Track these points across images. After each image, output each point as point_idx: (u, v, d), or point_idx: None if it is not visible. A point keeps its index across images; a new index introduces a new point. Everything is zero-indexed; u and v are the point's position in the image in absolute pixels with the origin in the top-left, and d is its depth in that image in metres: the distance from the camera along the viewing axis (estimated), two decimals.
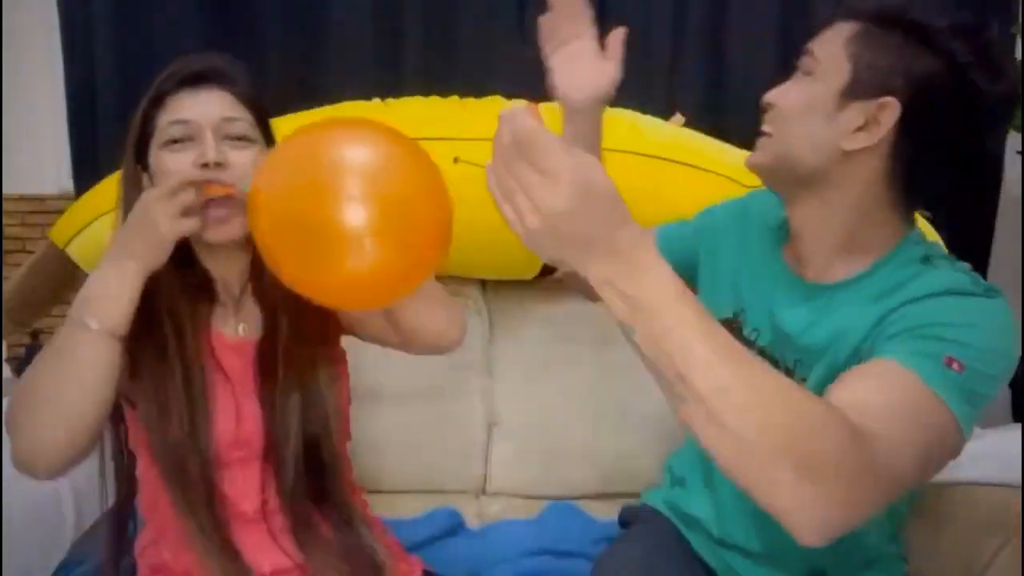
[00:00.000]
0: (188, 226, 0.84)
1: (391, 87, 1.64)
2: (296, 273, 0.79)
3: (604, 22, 1.79)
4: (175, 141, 0.89)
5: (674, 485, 1.10)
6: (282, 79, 1.67)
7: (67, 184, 1.92)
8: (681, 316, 0.60)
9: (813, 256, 0.89)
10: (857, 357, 0.80)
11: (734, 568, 1.00)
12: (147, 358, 0.88)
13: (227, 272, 0.96)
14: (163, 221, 0.81)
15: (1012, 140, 1.84)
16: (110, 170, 1.58)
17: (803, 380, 0.87)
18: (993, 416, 1.72)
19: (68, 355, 0.80)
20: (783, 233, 0.94)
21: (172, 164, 0.88)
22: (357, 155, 0.78)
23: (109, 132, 1.73)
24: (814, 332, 0.87)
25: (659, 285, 0.61)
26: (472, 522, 1.39)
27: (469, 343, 1.54)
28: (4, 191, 2.01)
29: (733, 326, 1.00)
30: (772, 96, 0.88)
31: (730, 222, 1.05)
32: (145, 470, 0.93)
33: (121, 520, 0.96)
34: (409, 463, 1.48)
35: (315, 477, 0.95)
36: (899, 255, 0.85)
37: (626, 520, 1.17)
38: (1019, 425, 1.15)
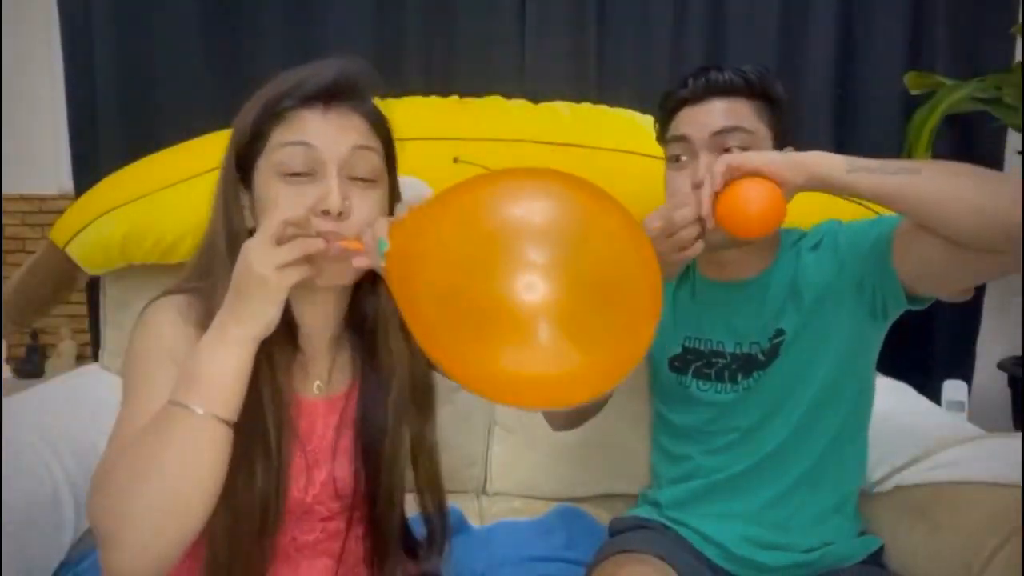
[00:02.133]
0: (297, 275, 0.71)
1: (391, 87, 1.64)
2: (448, 352, 0.63)
3: (604, 22, 1.80)
4: (294, 174, 0.76)
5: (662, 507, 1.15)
6: None
7: (67, 184, 1.92)
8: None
9: (741, 261, 1.08)
10: (827, 290, 1.02)
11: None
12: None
13: (316, 323, 0.84)
14: (271, 274, 0.69)
15: (1012, 140, 1.84)
16: (110, 170, 1.58)
17: (780, 338, 1.05)
18: (995, 424, 1.72)
19: (174, 446, 0.68)
20: (694, 261, 1.11)
21: (286, 201, 0.75)
22: (547, 216, 0.61)
23: (109, 132, 1.73)
24: (770, 300, 1.05)
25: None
26: (473, 522, 1.39)
27: None
28: (4, 191, 2.01)
29: (692, 353, 1.12)
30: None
31: None
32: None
33: None
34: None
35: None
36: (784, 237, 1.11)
37: (617, 530, 1.18)
38: (1019, 433, 1.16)
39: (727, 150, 0.99)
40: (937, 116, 1.62)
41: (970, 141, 1.84)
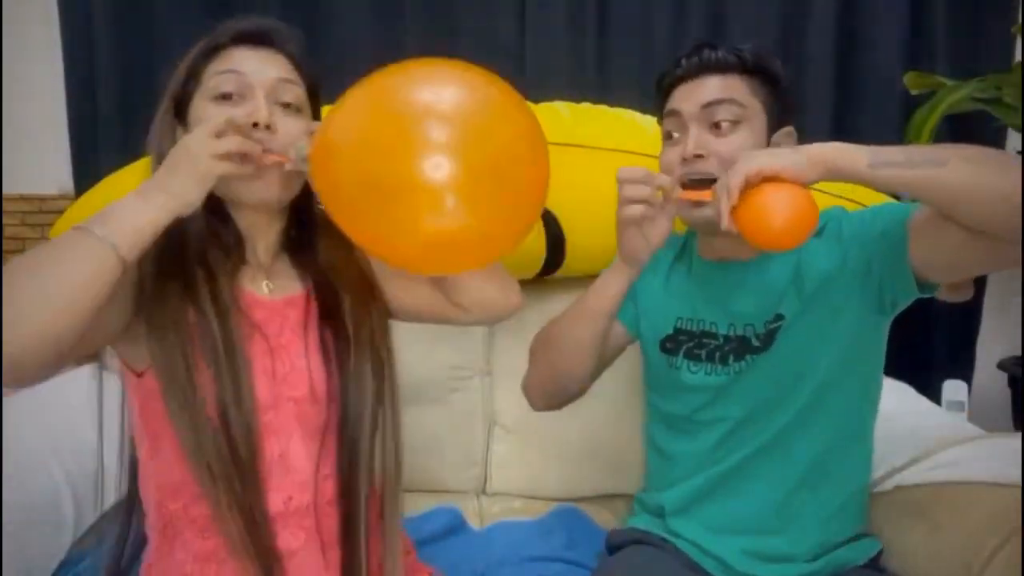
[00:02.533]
0: (227, 167, 0.76)
1: None
2: (370, 233, 0.72)
3: (604, 22, 1.80)
4: (224, 96, 0.84)
5: (663, 516, 1.12)
6: None
7: (67, 184, 1.92)
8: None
9: (740, 242, 0.99)
10: (829, 278, 1.00)
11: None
12: (170, 308, 0.80)
13: (258, 235, 0.90)
14: (203, 158, 0.75)
15: (1012, 140, 1.84)
16: (110, 170, 1.58)
17: (779, 323, 1.02)
18: (995, 424, 1.72)
19: (60, 251, 0.70)
20: (693, 241, 1.13)
21: (219, 116, 0.80)
22: (445, 98, 0.69)
23: (109, 132, 1.73)
24: (770, 284, 1.04)
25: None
26: (473, 522, 1.39)
27: (469, 343, 1.55)
28: (4, 191, 2.01)
29: (683, 334, 1.10)
30: (713, 148, 1.00)
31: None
32: (156, 451, 0.84)
33: (126, 528, 0.91)
34: (409, 463, 1.47)
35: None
36: None
37: (615, 545, 1.16)
38: (1019, 433, 1.16)
39: (716, 124, 0.98)
40: (937, 116, 1.62)
41: (970, 141, 1.83)
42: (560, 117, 1.54)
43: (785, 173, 0.85)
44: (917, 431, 1.22)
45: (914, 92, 1.72)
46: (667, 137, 1.05)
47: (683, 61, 1.03)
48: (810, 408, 1.02)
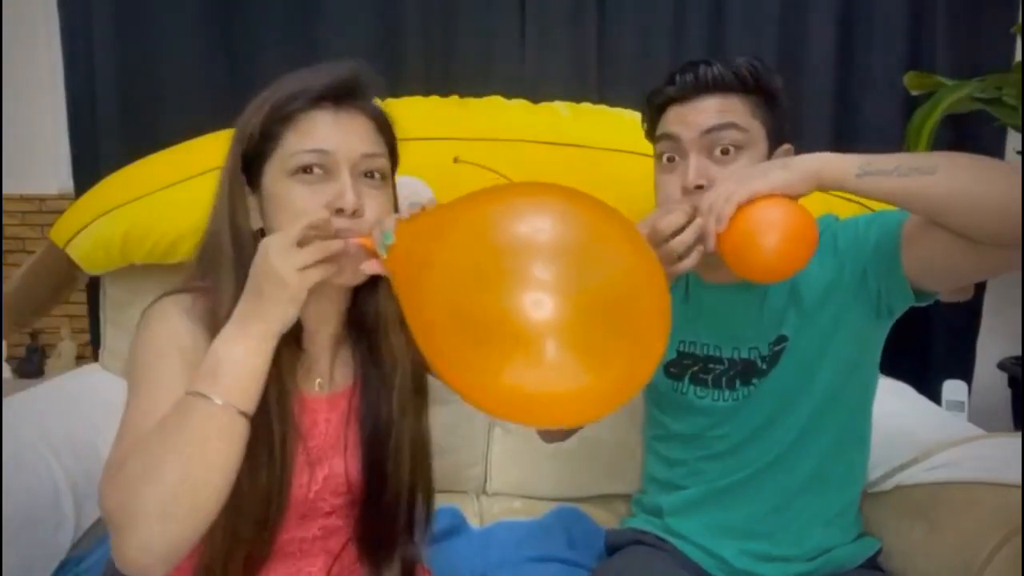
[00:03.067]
0: (317, 276, 0.73)
1: (391, 87, 1.64)
2: (456, 369, 0.64)
3: (604, 21, 1.80)
4: (306, 169, 0.78)
5: (661, 516, 1.12)
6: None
7: (67, 184, 1.92)
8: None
9: None
10: (831, 289, 0.99)
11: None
12: None
13: (322, 324, 0.85)
14: (292, 276, 0.71)
15: (1012, 140, 1.84)
16: (110, 170, 1.58)
17: (783, 344, 1.01)
18: (995, 424, 1.72)
19: (192, 434, 0.68)
20: None
21: (302, 202, 0.77)
22: (555, 233, 0.62)
23: (109, 132, 1.73)
24: (770, 304, 1.01)
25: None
26: (473, 522, 1.39)
27: None
28: (4, 191, 2.01)
29: (688, 358, 1.07)
30: (714, 176, 0.95)
31: None
32: None
33: None
34: None
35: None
36: None
37: (614, 545, 1.16)
38: (1019, 433, 1.15)
39: (724, 151, 0.94)
40: (937, 116, 1.62)
41: (970, 141, 1.84)
42: (560, 117, 1.54)
43: (776, 192, 0.83)
44: (917, 431, 1.22)
45: (914, 92, 1.72)
46: (661, 159, 1.00)
47: (677, 79, 0.98)
48: (814, 421, 1.01)
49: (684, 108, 0.97)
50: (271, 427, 0.77)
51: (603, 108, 1.59)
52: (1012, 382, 1.89)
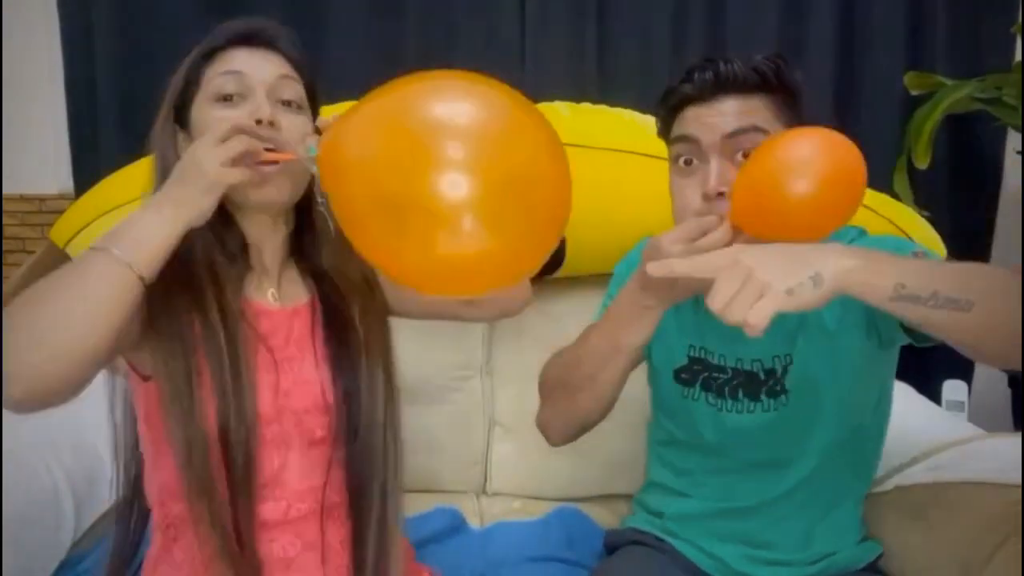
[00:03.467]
0: (237, 175, 0.76)
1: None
2: (383, 250, 0.69)
3: (604, 21, 1.80)
4: (226, 97, 0.84)
5: (662, 517, 1.11)
6: None
7: (67, 184, 1.93)
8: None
9: None
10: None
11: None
12: (176, 317, 0.79)
13: (264, 240, 0.88)
14: (212, 167, 0.74)
15: (1012, 140, 1.84)
16: (110, 170, 1.58)
17: (789, 363, 0.98)
18: (995, 424, 1.72)
19: (80, 274, 0.70)
20: None
21: (222, 118, 0.82)
22: (461, 113, 0.67)
23: (109, 132, 1.73)
24: (778, 320, 0.91)
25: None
26: (473, 522, 1.39)
27: (469, 343, 1.54)
28: (4, 191, 2.01)
29: (698, 363, 1.04)
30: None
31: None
32: (159, 455, 0.83)
33: (127, 529, 0.91)
34: (409, 463, 1.47)
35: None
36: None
37: (613, 545, 1.16)
38: (1019, 433, 1.16)
39: (746, 155, 0.88)
40: (937, 116, 1.62)
41: (970, 141, 1.85)
42: (560, 117, 1.54)
43: (802, 308, 0.72)
44: (917, 431, 1.22)
45: (914, 92, 1.72)
46: (677, 161, 0.94)
47: (696, 76, 0.91)
48: (824, 443, 0.99)
49: (703, 109, 0.91)
50: (216, 332, 0.79)
51: (603, 108, 1.59)
52: (1012, 382, 1.89)
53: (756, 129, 0.89)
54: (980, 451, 1.12)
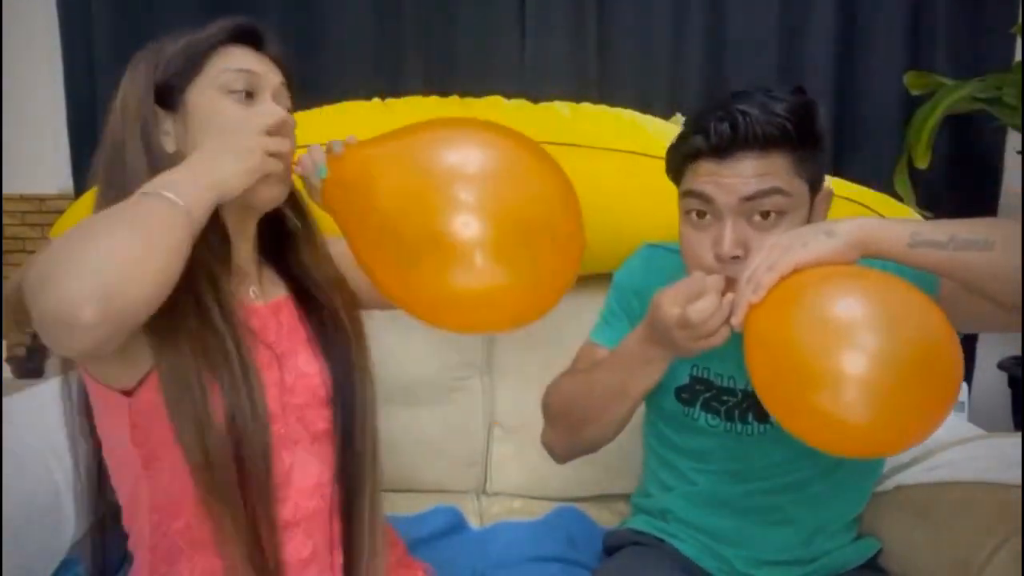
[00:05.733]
0: (276, 166, 0.78)
1: (391, 87, 1.64)
2: (395, 284, 0.73)
3: (604, 21, 1.80)
4: (241, 93, 0.83)
5: (661, 518, 1.11)
6: None
7: (67, 184, 1.93)
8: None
9: None
10: None
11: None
12: (177, 316, 0.74)
13: (240, 238, 0.87)
14: (258, 152, 0.75)
15: (1012, 140, 1.84)
16: None
17: None
18: (995, 424, 1.72)
19: (137, 219, 0.66)
20: None
21: (235, 117, 0.81)
22: (474, 159, 0.71)
23: None
24: None
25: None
26: (473, 522, 1.39)
27: (469, 343, 1.54)
28: (4, 191, 2.01)
29: (700, 383, 1.04)
30: (751, 243, 0.86)
31: (641, 283, 1.08)
32: (153, 471, 0.79)
33: (100, 552, 0.91)
34: (409, 463, 1.48)
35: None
36: None
37: (613, 547, 1.16)
38: (1019, 433, 1.16)
39: (764, 215, 0.85)
40: (937, 116, 1.62)
41: (970, 141, 1.85)
42: (560, 117, 1.54)
43: (823, 262, 0.76)
44: None
45: (914, 92, 1.72)
46: (690, 213, 0.90)
47: (712, 129, 0.85)
48: (831, 466, 1.00)
49: (719, 167, 0.85)
50: (223, 335, 0.77)
51: (603, 108, 1.59)
52: (1012, 382, 1.89)
53: (776, 191, 0.85)
54: (980, 451, 1.11)
